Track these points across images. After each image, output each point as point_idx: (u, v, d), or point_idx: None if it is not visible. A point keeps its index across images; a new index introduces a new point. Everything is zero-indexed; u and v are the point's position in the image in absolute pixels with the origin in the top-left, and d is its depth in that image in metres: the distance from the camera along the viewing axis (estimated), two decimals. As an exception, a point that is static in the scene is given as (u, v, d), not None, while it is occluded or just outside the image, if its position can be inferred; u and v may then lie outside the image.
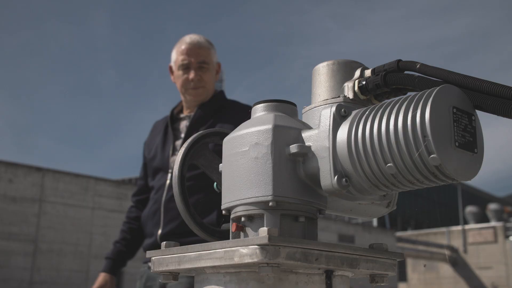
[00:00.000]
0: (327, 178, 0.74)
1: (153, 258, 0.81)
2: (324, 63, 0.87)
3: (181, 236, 1.93)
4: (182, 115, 2.30)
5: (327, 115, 0.76)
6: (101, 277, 2.26)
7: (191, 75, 2.19)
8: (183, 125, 2.26)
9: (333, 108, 0.75)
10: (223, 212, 0.81)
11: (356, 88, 0.84)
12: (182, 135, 2.20)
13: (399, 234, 22.12)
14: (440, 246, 21.35)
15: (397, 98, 0.73)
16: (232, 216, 0.79)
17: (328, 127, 0.75)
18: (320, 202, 0.79)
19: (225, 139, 0.81)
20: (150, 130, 2.46)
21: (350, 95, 0.84)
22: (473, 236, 21.33)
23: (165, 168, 2.18)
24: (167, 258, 0.78)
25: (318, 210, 0.80)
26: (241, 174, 0.77)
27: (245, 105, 2.26)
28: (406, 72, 0.82)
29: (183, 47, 2.22)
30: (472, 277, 20.90)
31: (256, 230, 0.76)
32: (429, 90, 0.68)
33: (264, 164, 0.75)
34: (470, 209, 23.39)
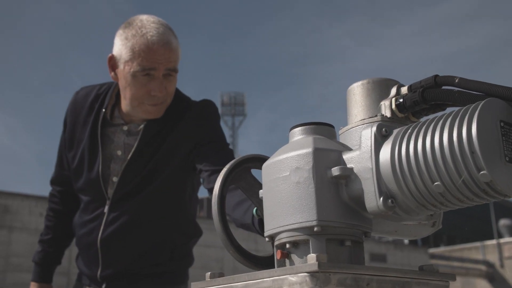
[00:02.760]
0: (372, 200, 0.72)
1: (198, 289, 0.79)
2: (359, 83, 0.86)
3: (124, 274, 1.71)
4: (118, 121, 1.74)
5: (367, 135, 0.74)
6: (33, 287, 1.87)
7: (156, 89, 1.60)
8: (120, 138, 1.72)
9: (374, 128, 0.74)
10: (266, 239, 0.80)
11: (393, 106, 0.82)
12: (119, 153, 1.71)
13: (432, 250, 21.63)
14: (475, 261, 20.78)
15: (439, 115, 0.72)
16: (276, 243, 0.78)
17: (369, 148, 0.74)
18: (365, 224, 0.77)
19: (264, 165, 0.81)
20: (70, 105, 1.84)
21: (388, 113, 0.82)
22: (509, 250, 20.70)
23: (98, 197, 1.73)
24: (213, 289, 0.77)
25: (364, 232, 0.78)
26: (283, 200, 0.75)
27: (199, 106, 1.76)
28: (444, 87, 0.81)
29: (147, 45, 1.57)
30: (511, 292, 20.21)
31: (301, 256, 0.75)
32: (474, 104, 0.66)
33: (306, 188, 0.74)
34: (504, 222, 22.76)
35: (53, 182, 1.95)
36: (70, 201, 1.90)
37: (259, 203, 0.90)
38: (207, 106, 1.79)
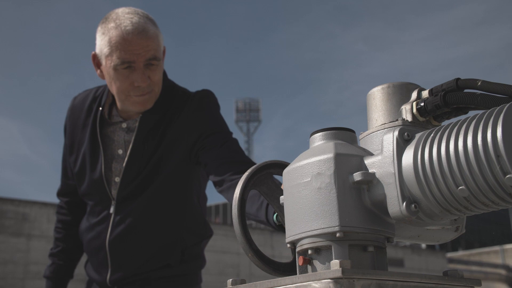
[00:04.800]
0: (395, 205, 0.72)
1: (220, 296, 0.79)
2: (379, 87, 0.86)
3: (134, 276, 1.70)
4: (116, 119, 1.73)
5: (389, 140, 0.74)
6: None
7: (139, 80, 1.57)
8: (120, 136, 1.71)
9: (396, 132, 0.74)
10: (288, 245, 0.80)
11: (414, 110, 0.82)
12: (120, 152, 1.69)
13: (450, 255, 21.36)
14: (495, 265, 20.45)
15: (462, 118, 0.71)
16: (298, 249, 0.77)
17: (392, 152, 0.73)
18: (388, 229, 0.76)
19: (285, 171, 0.80)
20: (69, 111, 1.84)
21: (409, 117, 0.82)
22: (530, 254, 20.35)
23: (103, 198, 1.72)
24: (236, 296, 0.77)
25: (386, 238, 0.78)
26: (304, 206, 0.75)
27: (198, 97, 1.72)
28: (466, 90, 0.80)
29: (122, 36, 1.54)
30: (532, 297, 19.85)
31: (324, 262, 0.74)
32: (499, 107, 0.65)
33: (328, 194, 0.73)
34: (523, 225, 22.40)
35: (59, 193, 1.94)
36: (78, 211, 1.87)
37: (280, 208, 0.90)
38: (206, 96, 1.74)
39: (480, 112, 0.69)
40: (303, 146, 0.85)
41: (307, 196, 0.75)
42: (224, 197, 1.55)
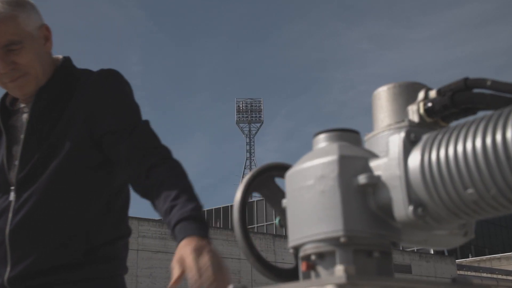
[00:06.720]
0: (401, 209, 0.69)
1: (220, 302, 0.77)
2: (385, 87, 0.84)
3: (35, 276, 1.56)
4: (20, 105, 1.70)
5: (395, 141, 0.72)
6: None
7: (1, 68, 1.54)
8: (22, 121, 1.68)
9: (402, 134, 0.71)
10: (290, 250, 0.77)
11: (421, 110, 0.79)
12: (22, 136, 1.64)
13: (459, 261, 21.20)
14: (506, 272, 20.27)
15: (471, 119, 0.69)
16: (301, 254, 0.75)
17: (398, 154, 0.71)
18: (394, 234, 0.74)
19: (288, 174, 0.78)
20: None
21: (415, 118, 0.80)
22: (540, 260, 20.15)
23: (4, 186, 1.63)
24: (236, 303, 0.74)
25: (392, 243, 0.75)
26: (307, 210, 0.73)
27: (99, 73, 1.67)
28: (475, 90, 0.77)
29: None
30: (543, 304, 19.63)
31: (327, 268, 0.72)
32: (509, 108, 0.63)
33: (331, 197, 0.71)
34: (534, 230, 22.19)
35: None
36: None
37: (281, 211, 0.88)
38: (110, 74, 1.67)
39: (490, 112, 0.67)
40: (306, 147, 0.84)
41: (310, 200, 0.73)
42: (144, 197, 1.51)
